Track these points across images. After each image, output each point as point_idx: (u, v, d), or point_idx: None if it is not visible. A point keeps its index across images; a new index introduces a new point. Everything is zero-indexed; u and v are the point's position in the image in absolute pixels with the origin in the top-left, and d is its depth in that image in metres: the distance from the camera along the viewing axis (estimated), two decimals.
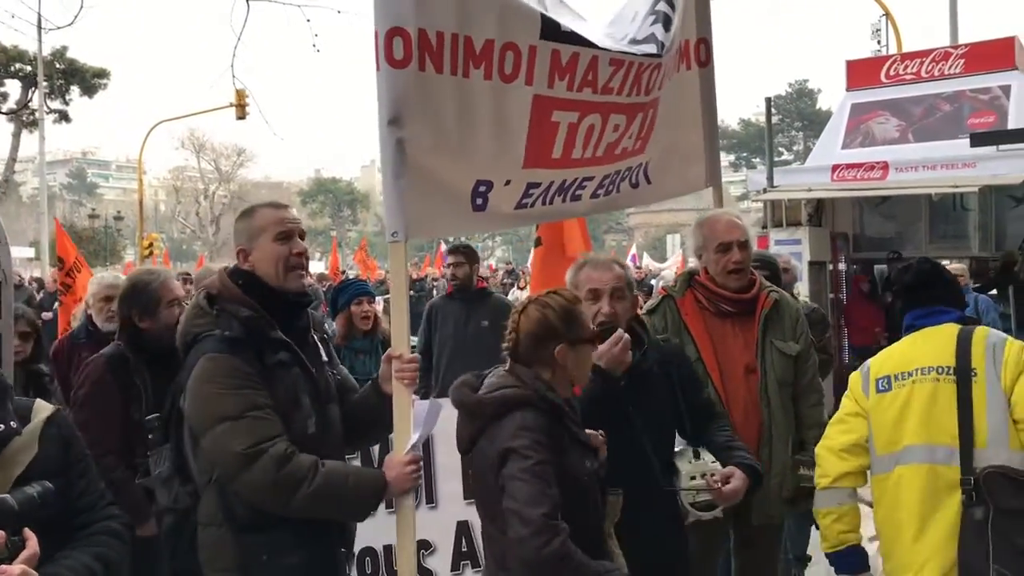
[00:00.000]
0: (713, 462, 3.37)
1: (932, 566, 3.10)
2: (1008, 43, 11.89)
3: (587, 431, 2.90)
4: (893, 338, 3.60)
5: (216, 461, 2.80)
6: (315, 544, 2.92)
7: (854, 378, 3.48)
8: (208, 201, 63.10)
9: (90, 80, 26.37)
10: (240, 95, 25.53)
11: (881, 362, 3.39)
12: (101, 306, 5.09)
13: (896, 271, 3.76)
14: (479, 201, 3.31)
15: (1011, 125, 10.97)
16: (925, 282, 3.42)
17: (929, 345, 3.27)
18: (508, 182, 3.39)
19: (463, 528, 4.16)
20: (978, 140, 10.30)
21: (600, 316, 3.29)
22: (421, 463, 3.01)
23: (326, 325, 5.19)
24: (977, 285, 11.20)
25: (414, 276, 35.08)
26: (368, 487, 2.90)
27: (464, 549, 4.16)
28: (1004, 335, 3.34)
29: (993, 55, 11.89)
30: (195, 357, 2.85)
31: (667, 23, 3.86)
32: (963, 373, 3.14)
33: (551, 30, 3.31)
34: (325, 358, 3.14)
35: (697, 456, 3.39)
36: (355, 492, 2.86)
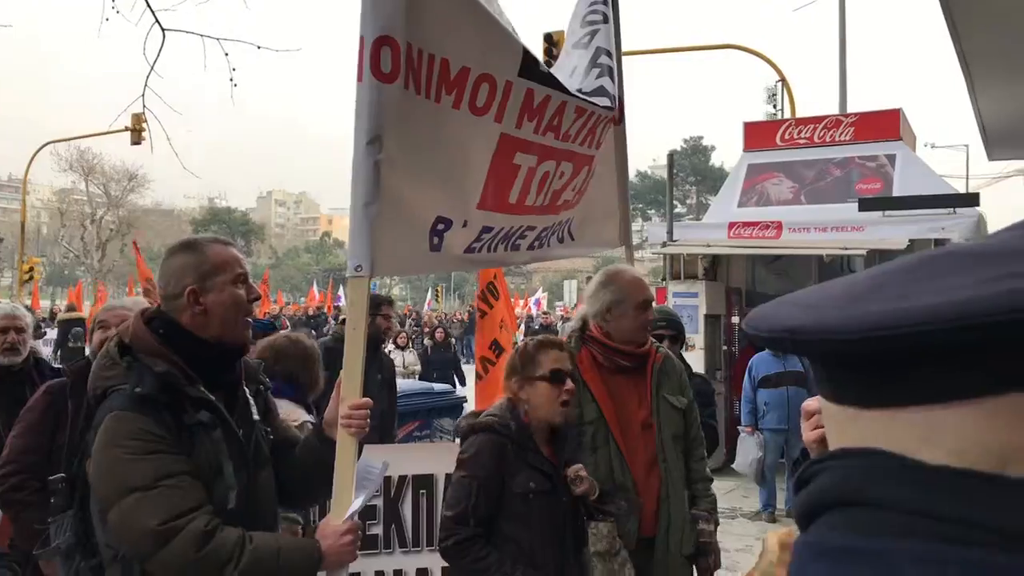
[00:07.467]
0: None
1: None
2: (894, 115, 12.53)
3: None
4: None
5: (126, 538, 2.38)
6: None
7: None
8: (95, 226, 60.63)
9: None
10: (137, 119, 24.63)
11: None
12: None
13: None
14: (435, 240, 3.06)
15: (895, 192, 11.51)
16: None
17: None
18: (465, 223, 3.18)
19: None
20: (866, 205, 10.75)
21: None
22: (360, 532, 2.66)
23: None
24: None
25: (309, 310, 34.33)
26: (301, 562, 2.53)
27: None
28: None
29: (880, 125, 12.50)
30: (102, 415, 2.46)
31: (611, 75, 3.82)
32: None
33: (529, 68, 3.15)
34: (256, 416, 2.72)
35: None
36: (287, 569, 2.49)
